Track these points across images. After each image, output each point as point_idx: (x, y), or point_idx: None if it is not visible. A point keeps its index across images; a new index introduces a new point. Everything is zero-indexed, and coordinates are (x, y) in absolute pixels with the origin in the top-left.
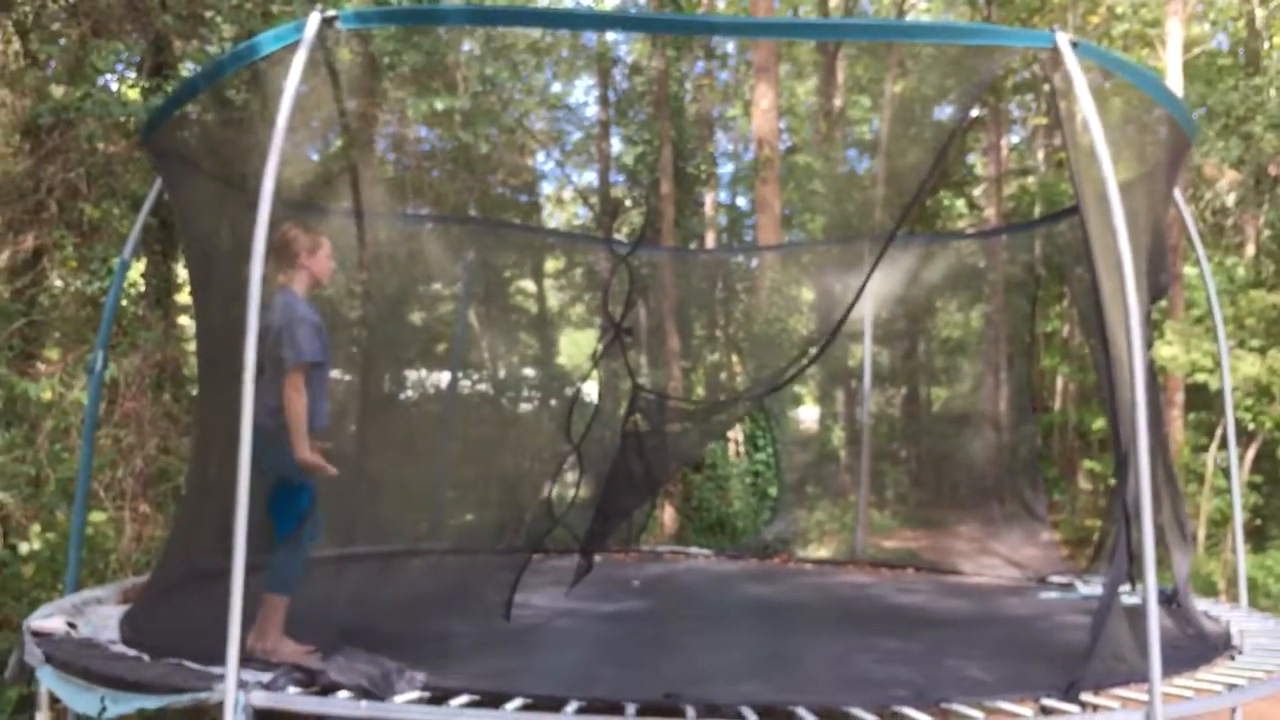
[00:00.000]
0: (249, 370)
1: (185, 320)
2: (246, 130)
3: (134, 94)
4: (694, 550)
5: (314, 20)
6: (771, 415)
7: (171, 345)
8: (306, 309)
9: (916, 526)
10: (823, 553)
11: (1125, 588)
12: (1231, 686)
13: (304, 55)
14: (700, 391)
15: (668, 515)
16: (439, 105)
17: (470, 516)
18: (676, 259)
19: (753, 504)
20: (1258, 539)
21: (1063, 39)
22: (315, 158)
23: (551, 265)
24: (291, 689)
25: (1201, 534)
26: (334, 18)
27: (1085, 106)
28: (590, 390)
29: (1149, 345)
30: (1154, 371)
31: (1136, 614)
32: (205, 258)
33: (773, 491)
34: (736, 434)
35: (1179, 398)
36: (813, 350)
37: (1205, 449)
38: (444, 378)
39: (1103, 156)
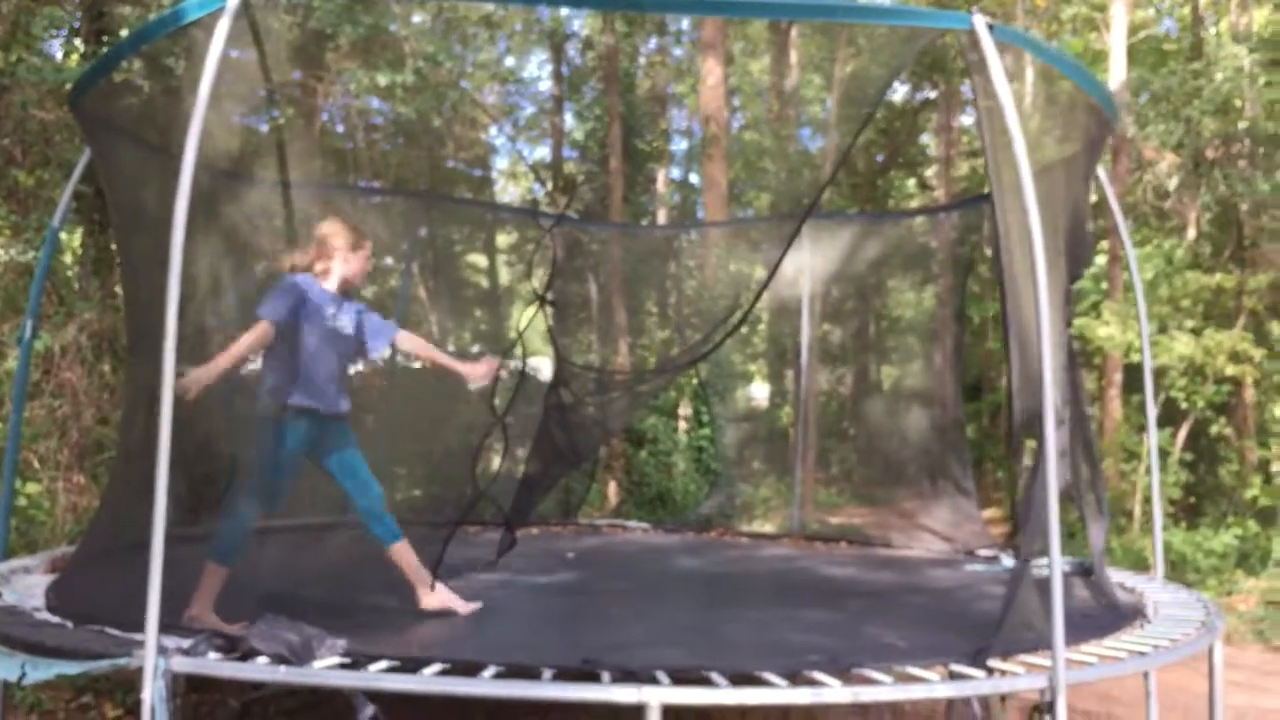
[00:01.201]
0: (169, 340)
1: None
2: (180, 98)
3: (74, 60)
4: (632, 524)
5: None
6: (716, 392)
7: (109, 316)
8: (306, 287)
9: (862, 503)
10: (768, 528)
11: (1041, 560)
12: (1135, 653)
13: (227, 23)
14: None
15: (610, 489)
16: (381, 80)
17: (418, 492)
18: (625, 235)
19: (695, 479)
20: (1191, 515)
21: (979, 22)
22: (265, 128)
23: (504, 240)
24: (212, 655)
25: (1138, 511)
26: None
27: (1000, 90)
28: (540, 365)
29: (1069, 323)
30: (1073, 349)
31: (1048, 584)
32: (133, 226)
33: (716, 467)
34: (685, 410)
35: (1118, 377)
36: (730, 324)
37: (1144, 428)
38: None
39: (1016, 139)
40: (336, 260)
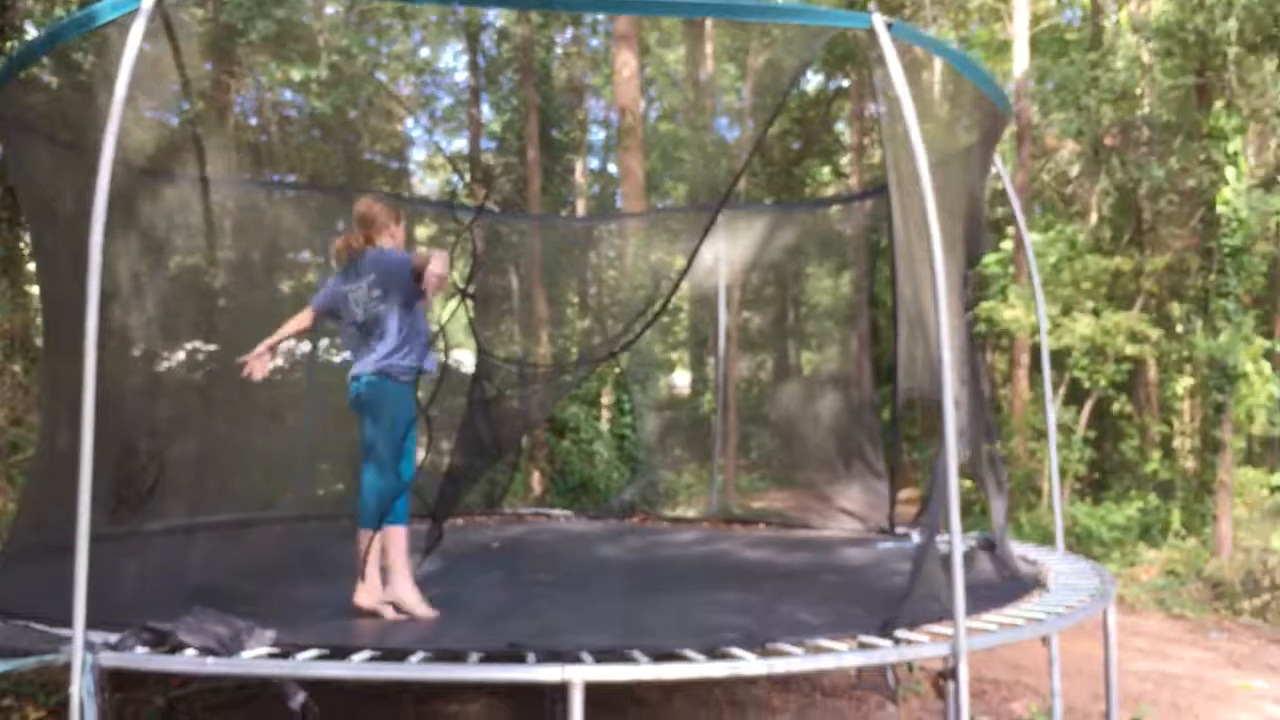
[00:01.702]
0: (90, 337)
1: (36, 289)
2: (94, 95)
3: None
4: (555, 512)
5: None
6: (638, 380)
7: (20, 315)
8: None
9: (782, 486)
10: (690, 513)
11: (946, 535)
12: (1033, 620)
13: (143, 24)
14: (575, 357)
15: (535, 478)
16: (295, 74)
17: (341, 486)
18: (544, 226)
19: (617, 467)
20: (1097, 490)
21: (878, 20)
22: (175, 121)
23: (423, 232)
24: (140, 649)
25: (1046, 487)
26: None
27: (898, 85)
28: (463, 358)
29: (969, 307)
30: (972, 333)
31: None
32: (48, 224)
33: (638, 455)
34: (607, 399)
35: (1025, 358)
36: (649, 315)
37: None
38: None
39: (913, 132)
40: (385, 235)
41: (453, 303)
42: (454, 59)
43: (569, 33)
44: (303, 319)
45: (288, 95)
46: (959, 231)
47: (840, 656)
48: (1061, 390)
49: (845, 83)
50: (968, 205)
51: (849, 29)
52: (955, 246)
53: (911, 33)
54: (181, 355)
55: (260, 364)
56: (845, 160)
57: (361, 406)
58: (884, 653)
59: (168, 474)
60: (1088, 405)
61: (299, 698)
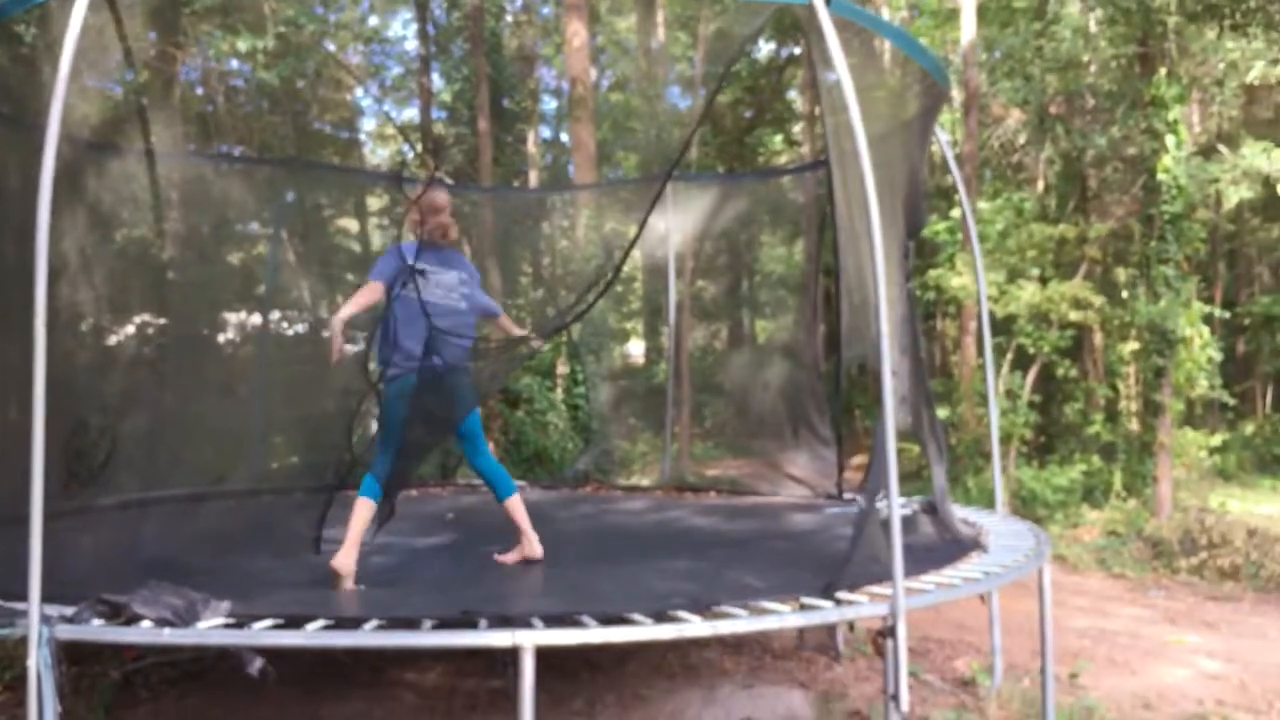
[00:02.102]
0: (39, 316)
1: None
2: (36, 68)
3: None
4: None
5: None
6: (591, 350)
7: None
8: (404, 251)
9: (736, 454)
10: (644, 482)
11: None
12: (969, 579)
13: (84, 1)
14: (530, 327)
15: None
16: (241, 45)
17: (295, 459)
18: (496, 198)
19: (571, 437)
20: (1043, 453)
21: None
22: (119, 91)
23: (375, 203)
24: (95, 622)
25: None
26: None
27: (837, 61)
28: None
29: (909, 277)
30: (913, 302)
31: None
32: None
33: (594, 425)
34: (562, 369)
35: (973, 325)
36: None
37: (998, 373)
38: (270, 318)
39: (852, 108)
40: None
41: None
42: (403, 27)
43: (519, 1)
44: (374, 291)
45: (235, 64)
46: (899, 204)
47: (783, 618)
48: (1009, 356)
49: (797, 50)
50: (908, 177)
51: (789, 4)
52: (895, 218)
53: (849, 8)
54: (131, 329)
55: (339, 343)
56: (798, 129)
57: (447, 387)
58: (825, 613)
59: (120, 448)
60: (1033, 371)
61: (256, 663)
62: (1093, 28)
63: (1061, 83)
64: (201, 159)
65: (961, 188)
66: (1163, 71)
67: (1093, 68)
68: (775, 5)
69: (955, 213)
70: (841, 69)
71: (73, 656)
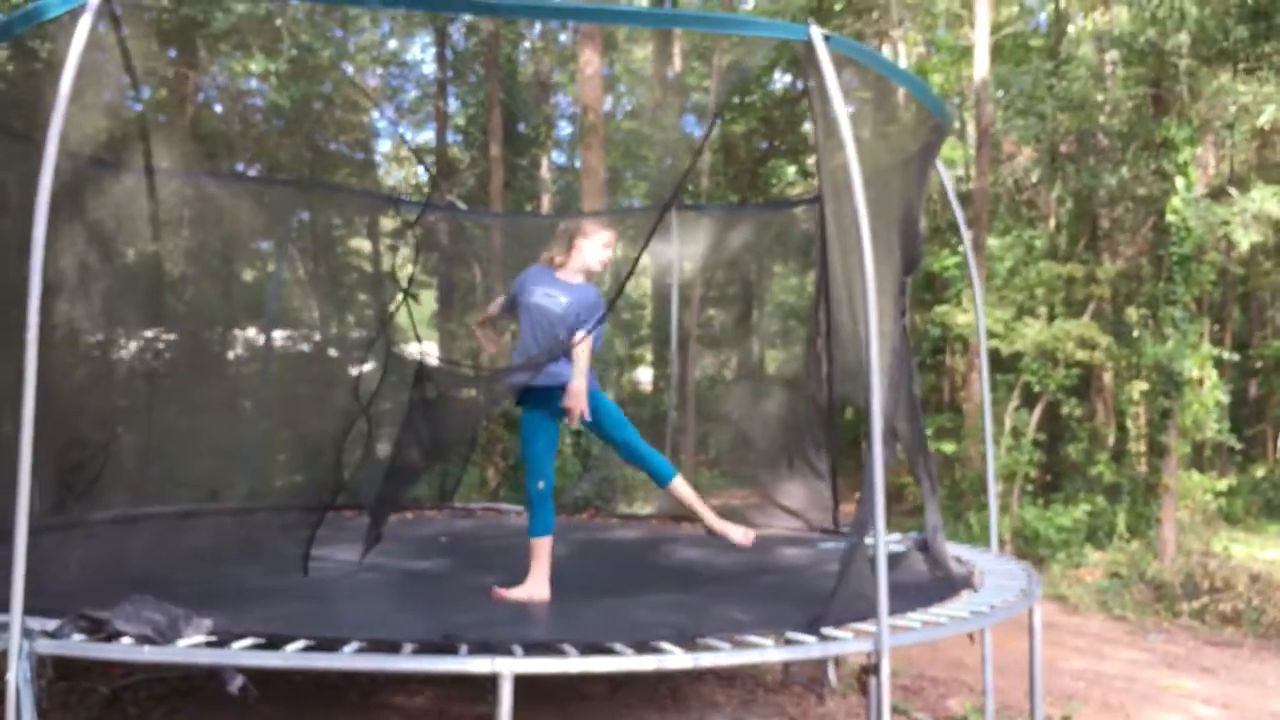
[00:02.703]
0: (31, 331)
1: None
2: (45, 84)
3: None
4: (506, 507)
5: None
6: (597, 376)
7: None
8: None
9: (740, 485)
10: (644, 510)
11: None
12: (956, 618)
13: (89, 20)
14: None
15: (489, 473)
16: (254, 67)
17: (299, 479)
18: (507, 222)
19: (572, 462)
20: (1049, 492)
21: (816, 33)
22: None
23: (388, 224)
24: (77, 637)
25: (999, 488)
26: None
27: (834, 97)
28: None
29: (904, 312)
30: (907, 340)
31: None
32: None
33: (595, 451)
34: None
35: (978, 361)
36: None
37: (1005, 410)
38: (273, 336)
39: (848, 145)
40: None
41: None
42: (421, 50)
43: (537, 28)
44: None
45: (253, 84)
46: (895, 239)
47: (764, 651)
48: (1015, 393)
49: (812, 83)
50: (904, 213)
51: (785, 40)
52: (891, 253)
53: (849, 45)
54: (136, 345)
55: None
56: (811, 160)
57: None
58: (808, 648)
59: (114, 463)
60: (1039, 409)
61: (237, 681)
62: (1106, 68)
63: (1073, 122)
64: (213, 177)
65: (962, 224)
66: (1174, 113)
67: (1105, 108)
68: (776, 40)
69: (964, 249)
70: (838, 105)
71: (63, 671)
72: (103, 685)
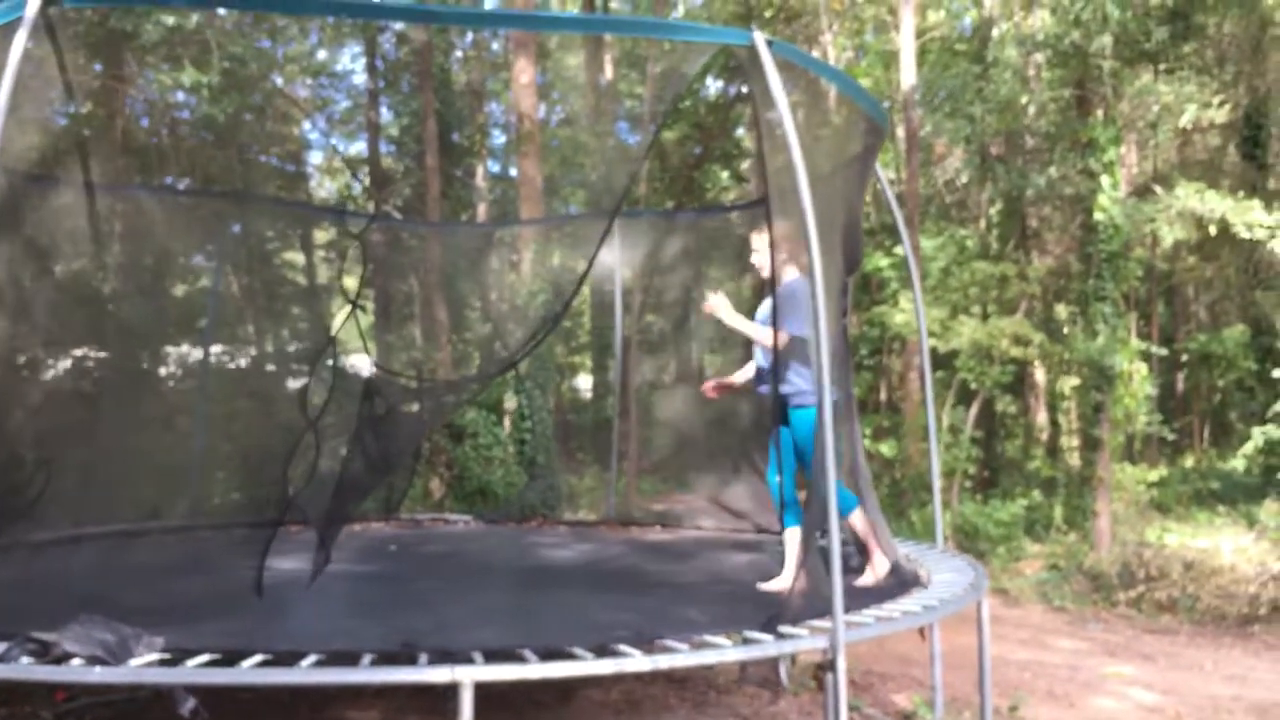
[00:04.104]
0: None
1: None
2: None
3: None
4: (453, 516)
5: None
6: (538, 384)
7: None
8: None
9: (683, 489)
10: (591, 516)
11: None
12: (908, 613)
13: (25, 34)
14: (477, 361)
15: (433, 484)
16: (185, 80)
17: (237, 495)
18: (443, 232)
19: (516, 471)
20: (987, 488)
21: (759, 38)
22: (63, 122)
23: (321, 236)
24: (25, 660)
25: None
26: None
27: (778, 102)
28: (357, 363)
29: (845, 313)
30: (847, 337)
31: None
32: None
33: (540, 459)
34: (511, 404)
35: (916, 360)
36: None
37: (941, 408)
38: (210, 351)
39: (794, 148)
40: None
41: (346, 311)
42: (352, 61)
43: (469, 37)
44: None
45: (180, 96)
46: (837, 241)
47: (723, 651)
48: (951, 392)
49: (745, 89)
50: (847, 216)
51: (729, 45)
52: (834, 255)
53: (790, 50)
54: (68, 363)
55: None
56: (745, 165)
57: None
58: (765, 647)
59: (54, 483)
60: (975, 406)
61: (189, 704)
62: (1031, 70)
63: (1001, 123)
64: (144, 191)
65: (902, 226)
66: (1099, 114)
67: (1031, 109)
68: (719, 45)
69: (899, 249)
70: (783, 109)
71: (2, 697)
72: (45, 710)
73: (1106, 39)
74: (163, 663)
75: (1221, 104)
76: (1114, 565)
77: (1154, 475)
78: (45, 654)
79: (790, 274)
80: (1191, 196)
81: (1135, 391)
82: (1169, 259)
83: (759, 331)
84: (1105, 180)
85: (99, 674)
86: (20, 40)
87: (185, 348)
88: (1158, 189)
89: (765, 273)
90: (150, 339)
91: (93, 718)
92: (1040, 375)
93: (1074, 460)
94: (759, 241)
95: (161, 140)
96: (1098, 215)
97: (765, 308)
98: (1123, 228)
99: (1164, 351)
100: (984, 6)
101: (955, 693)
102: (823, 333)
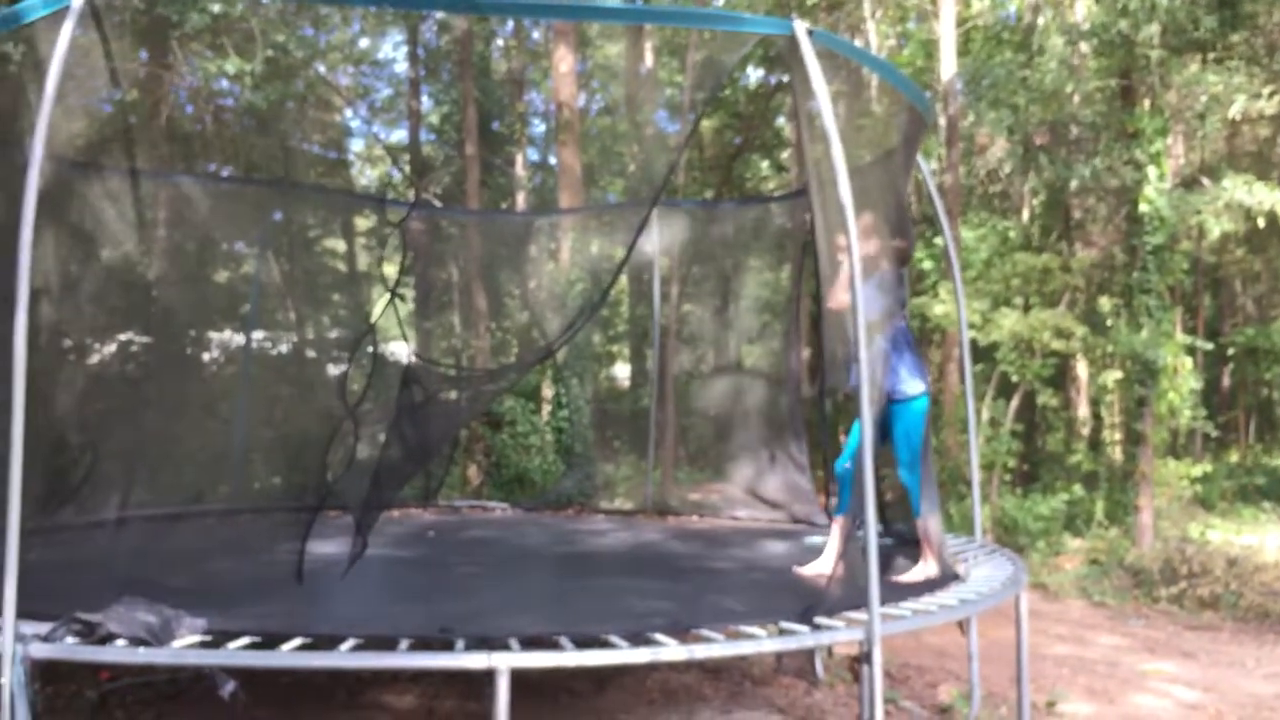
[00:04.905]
0: (19, 336)
1: None
2: (22, 87)
3: None
4: (491, 504)
5: None
6: (576, 373)
7: None
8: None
9: (720, 479)
10: (628, 505)
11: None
12: (945, 606)
13: (72, 23)
14: (515, 349)
15: (471, 471)
16: (229, 68)
17: (277, 480)
18: (483, 220)
19: (554, 460)
20: (1027, 482)
21: (800, 27)
22: (108, 110)
23: (363, 224)
24: (70, 640)
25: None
26: None
27: (819, 92)
28: (396, 350)
29: (903, 304)
30: (908, 328)
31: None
32: None
33: (577, 448)
34: (548, 392)
35: (956, 353)
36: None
37: (981, 400)
38: (252, 337)
39: (833, 139)
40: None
41: (386, 299)
42: (394, 49)
43: (509, 25)
44: None
45: (224, 84)
46: (888, 232)
47: (759, 642)
48: (992, 384)
49: (785, 78)
50: (890, 208)
51: (769, 35)
52: (888, 246)
53: (832, 39)
54: (113, 348)
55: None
56: (785, 155)
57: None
58: (801, 638)
59: (100, 466)
60: (1016, 399)
61: (229, 686)
62: (1076, 60)
63: (1045, 112)
64: (188, 178)
65: (944, 217)
66: (1145, 104)
67: (1076, 98)
68: (759, 35)
69: (939, 240)
70: (824, 99)
71: (49, 676)
72: (90, 690)
73: (1154, 28)
74: (204, 645)
75: (1272, 95)
76: (1156, 561)
77: (1198, 470)
78: (90, 635)
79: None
80: (1239, 188)
81: (1180, 386)
82: (1216, 251)
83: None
84: (1151, 171)
85: (142, 655)
86: (67, 30)
87: (228, 333)
88: (1205, 180)
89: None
90: (194, 324)
91: (135, 697)
92: (1082, 369)
93: (1116, 455)
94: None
95: (205, 127)
96: (1143, 207)
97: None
98: (1169, 219)
99: (1209, 345)
100: None
101: (993, 687)
102: (861, 324)
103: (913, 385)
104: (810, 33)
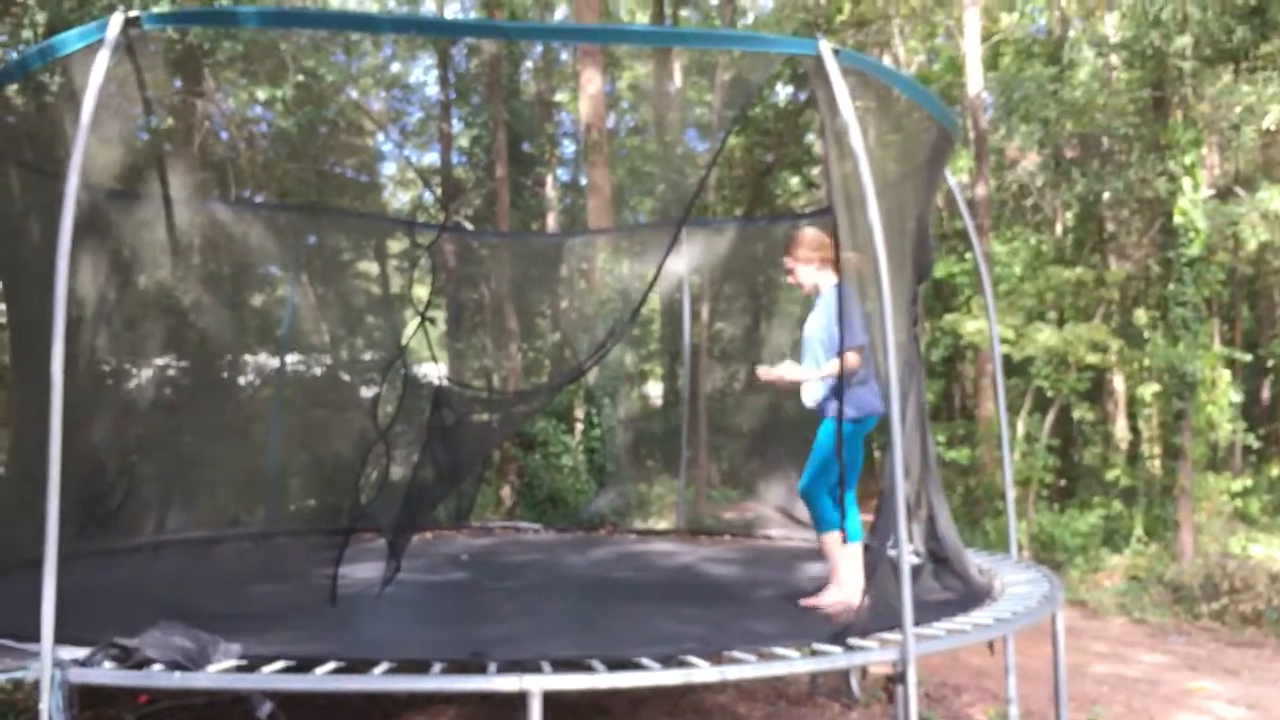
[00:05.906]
0: (56, 361)
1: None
2: (59, 116)
3: None
4: (524, 524)
5: (117, 21)
6: (607, 393)
7: None
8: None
9: (753, 498)
10: (661, 524)
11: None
12: (980, 626)
13: (107, 55)
14: (547, 369)
15: (504, 492)
16: (261, 94)
17: (312, 502)
18: (514, 241)
19: (586, 480)
20: (1064, 497)
21: (825, 47)
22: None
23: (395, 246)
24: (107, 665)
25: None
26: (137, 19)
27: (845, 110)
28: (428, 372)
29: (915, 321)
30: (919, 346)
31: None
32: (15, 245)
33: (609, 467)
34: (580, 412)
35: (989, 368)
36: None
37: (1016, 415)
38: (286, 361)
39: (860, 157)
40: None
41: (416, 321)
42: (424, 73)
43: (538, 49)
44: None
45: (258, 110)
46: (907, 249)
47: (791, 663)
48: (1027, 398)
49: (820, 95)
50: (916, 223)
51: (795, 55)
52: (904, 264)
53: (857, 58)
54: (150, 373)
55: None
56: (815, 171)
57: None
58: (834, 659)
59: (136, 491)
60: (1051, 414)
61: (265, 708)
62: (1107, 72)
63: (1077, 125)
64: (222, 205)
65: (973, 232)
66: (1178, 115)
67: (1107, 111)
68: (778, 58)
69: (970, 256)
70: (849, 117)
71: (87, 700)
72: (127, 713)
73: (1186, 39)
74: (240, 669)
75: None
76: (1196, 577)
77: (1238, 485)
78: (127, 660)
79: (828, 281)
80: (1276, 198)
81: (1218, 398)
82: (1253, 262)
83: (826, 368)
84: (1186, 183)
85: (179, 679)
86: (103, 61)
87: (263, 357)
88: (1240, 191)
89: (807, 289)
90: (229, 348)
91: None
92: (1119, 382)
93: (1155, 469)
94: (790, 261)
95: (239, 154)
96: (1178, 218)
97: (815, 323)
98: (1204, 231)
99: (1248, 357)
100: (1058, 7)
101: (1031, 705)
102: (890, 342)
103: (832, 407)
104: (836, 52)
